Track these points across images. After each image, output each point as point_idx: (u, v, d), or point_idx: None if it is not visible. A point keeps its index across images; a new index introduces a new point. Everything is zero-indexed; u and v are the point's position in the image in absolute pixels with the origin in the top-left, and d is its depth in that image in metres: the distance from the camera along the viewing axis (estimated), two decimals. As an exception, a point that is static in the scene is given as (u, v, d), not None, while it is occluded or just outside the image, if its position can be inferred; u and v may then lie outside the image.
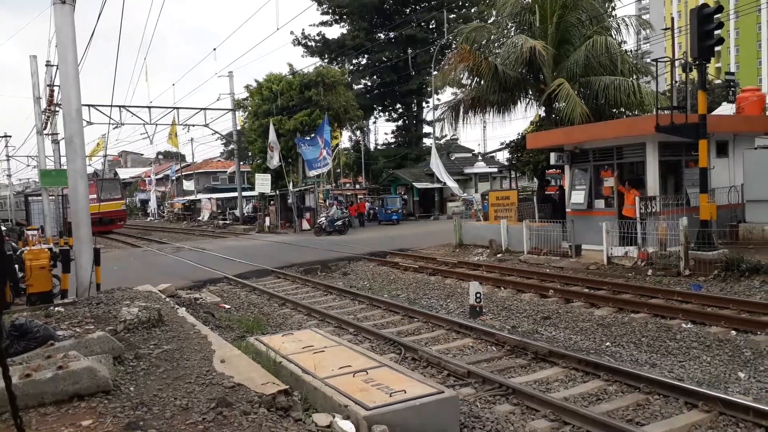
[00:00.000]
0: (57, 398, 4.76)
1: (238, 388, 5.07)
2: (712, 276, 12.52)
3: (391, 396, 5.00)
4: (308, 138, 33.06)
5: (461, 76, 24.14)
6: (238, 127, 43.11)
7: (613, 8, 25.63)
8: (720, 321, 9.44)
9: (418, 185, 39.95)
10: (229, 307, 12.74)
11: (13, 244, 15.32)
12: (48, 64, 30.65)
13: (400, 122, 52.52)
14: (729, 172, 17.26)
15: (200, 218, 54.88)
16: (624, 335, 9.29)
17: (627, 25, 23.44)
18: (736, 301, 10.40)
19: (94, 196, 36.28)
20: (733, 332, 9.00)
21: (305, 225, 33.61)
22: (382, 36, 47.77)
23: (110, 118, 32.20)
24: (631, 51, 26.93)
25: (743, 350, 8.20)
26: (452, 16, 45.12)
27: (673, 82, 18.24)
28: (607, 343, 8.96)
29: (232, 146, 45.78)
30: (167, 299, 10.31)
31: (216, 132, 45.21)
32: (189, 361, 6.00)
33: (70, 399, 4.79)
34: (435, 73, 36.85)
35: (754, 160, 15.90)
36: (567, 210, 18.11)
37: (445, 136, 48.44)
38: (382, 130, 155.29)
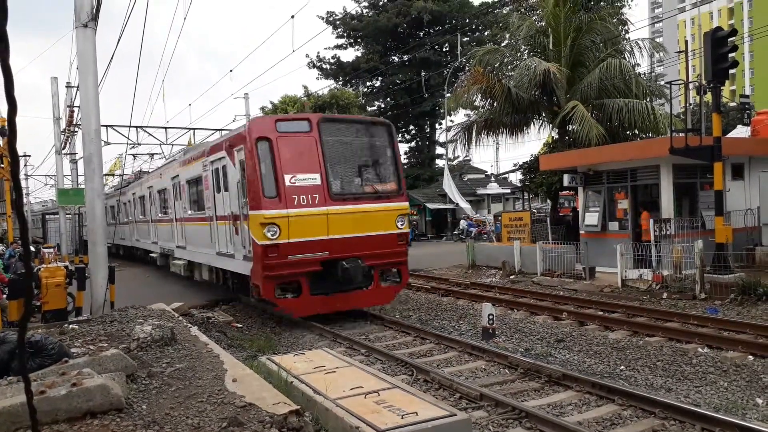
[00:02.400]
0: (70, 415, 4.79)
1: (249, 407, 5.07)
2: (729, 300, 12.35)
3: (402, 418, 4.97)
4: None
5: (474, 98, 24.34)
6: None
7: (627, 31, 25.76)
8: (737, 346, 9.29)
9: (430, 206, 39.95)
10: (241, 326, 12.76)
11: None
12: (68, 86, 31.30)
13: (413, 143, 52.77)
14: (745, 195, 17.11)
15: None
16: (639, 359, 9.17)
17: (641, 48, 23.54)
18: (753, 325, 10.24)
19: (314, 178, 11.53)
20: (751, 357, 8.85)
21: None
22: (396, 59, 48.25)
23: (128, 138, 32.58)
24: (644, 74, 26.97)
25: (761, 376, 8.06)
26: (465, 39, 45.54)
27: (687, 104, 18.22)
28: (622, 367, 8.84)
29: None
30: (180, 318, 10.35)
31: (231, 152, 45.57)
32: (201, 380, 6.01)
33: (83, 416, 4.81)
34: (448, 95, 37.07)
35: (770, 183, 15.76)
36: (581, 232, 18.01)
37: (458, 157, 48.43)
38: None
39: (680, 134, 14.77)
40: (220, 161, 13.13)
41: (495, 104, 23.56)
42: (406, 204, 12.65)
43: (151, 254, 22.73)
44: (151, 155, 35.38)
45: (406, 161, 53.96)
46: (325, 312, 11.95)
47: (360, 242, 11.57)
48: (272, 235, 10.77)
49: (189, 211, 16.43)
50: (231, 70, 72.74)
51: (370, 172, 12.82)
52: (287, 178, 11.11)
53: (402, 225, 12.24)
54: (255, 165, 11.00)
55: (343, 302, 12.03)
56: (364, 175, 12.67)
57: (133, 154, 34.39)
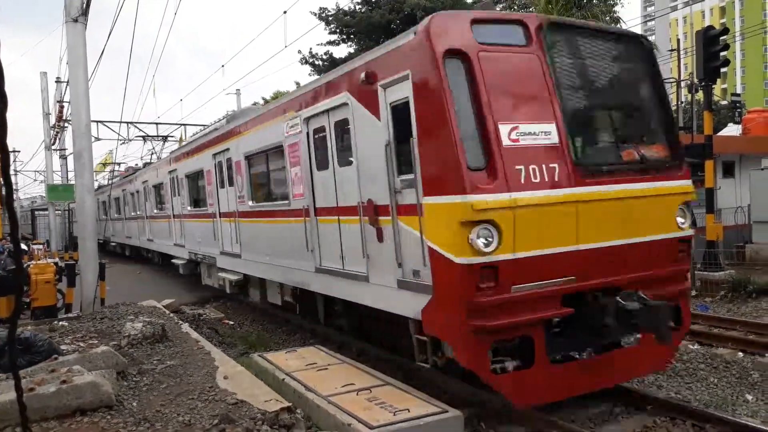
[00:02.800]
0: (60, 412, 4.76)
1: (241, 404, 5.06)
2: (719, 297, 12.44)
3: (394, 415, 4.96)
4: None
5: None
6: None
7: (619, 29, 25.88)
8: (727, 342, 9.35)
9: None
10: (232, 323, 12.72)
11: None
12: (58, 81, 31.07)
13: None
14: (735, 193, 17.23)
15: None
16: (630, 356, 9.19)
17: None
18: (743, 322, 10.32)
19: (546, 131, 6.08)
20: (740, 354, 8.90)
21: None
22: (389, 55, 48.22)
23: (118, 134, 32.35)
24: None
25: (751, 372, 8.11)
26: (458, 36, 45.57)
27: (679, 102, 18.32)
28: (613, 364, 8.87)
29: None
30: (171, 315, 10.32)
31: (223, 148, 45.36)
32: (192, 377, 5.99)
33: (73, 413, 4.79)
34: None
35: (760, 181, 15.88)
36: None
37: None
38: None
39: (672, 132, 14.85)
40: (333, 114, 7.84)
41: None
42: (690, 183, 6.93)
43: (174, 261, 18.16)
44: (164, 139, 30.24)
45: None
46: (578, 393, 6.35)
47: (625, 256, 6.24)
48: (486, 244, 5.57)
49: (249, 202, 11.31)
50: (222, 66, 72.38)
51: (628, 124, 7.38)
52: (504, 130, 5.84)
53: (684, 223, 6.75)
54: (444, 104, 5.71)
55: (604, 372, 6.33)
56: (620, 128, 7.19)
57: (146, 137, 30.07)
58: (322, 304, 9.52)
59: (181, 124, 39.58)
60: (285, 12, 20.44)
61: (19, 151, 51.54)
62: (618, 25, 25.72)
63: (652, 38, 47.63)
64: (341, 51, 57.58)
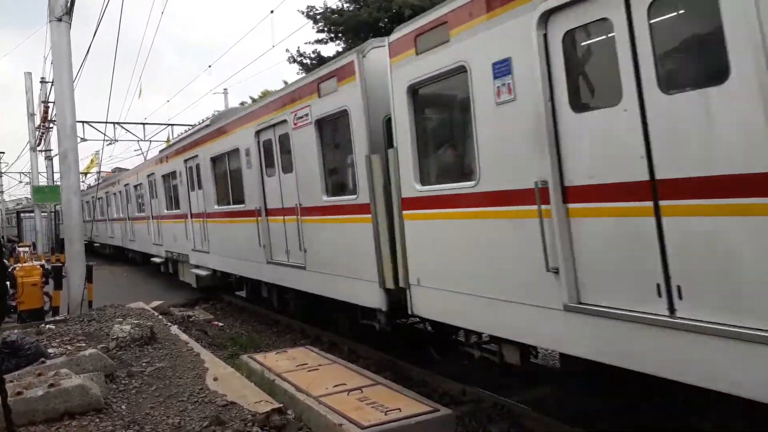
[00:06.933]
0: (48, 416, 4.72)
1: (231, 406, 5.04)
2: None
3: (386, 414, 4.96)
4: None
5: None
6: (233, 144, 43.16)
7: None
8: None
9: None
10: (222, 324, 12.65)
11: (5, 261, 15.22)
12: (43, 81, 30.79)
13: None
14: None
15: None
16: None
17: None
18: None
19: None
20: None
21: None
22: (377, 54, 48.15)
23: (104, 134, 32.07)
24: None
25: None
26: (446, 34, 45.62)
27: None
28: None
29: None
30: (160, 316, 10.25)
31: (210, 148, 45.08)
32: (182, 379, 5.96)
33: (61, 417, 4.75)
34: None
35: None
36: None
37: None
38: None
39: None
40: None
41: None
42: None
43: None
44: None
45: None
46: None
47: None
48: None
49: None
50: (210, 66, 72.13)
51: None
52: None
53: None
54: None
55: None
56: None
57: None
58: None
59: (168, 124, 39.28)
60: (272, 11, 20.40)
61: (3, 153, 51.05)
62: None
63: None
64: (330, 49, 57.31)
